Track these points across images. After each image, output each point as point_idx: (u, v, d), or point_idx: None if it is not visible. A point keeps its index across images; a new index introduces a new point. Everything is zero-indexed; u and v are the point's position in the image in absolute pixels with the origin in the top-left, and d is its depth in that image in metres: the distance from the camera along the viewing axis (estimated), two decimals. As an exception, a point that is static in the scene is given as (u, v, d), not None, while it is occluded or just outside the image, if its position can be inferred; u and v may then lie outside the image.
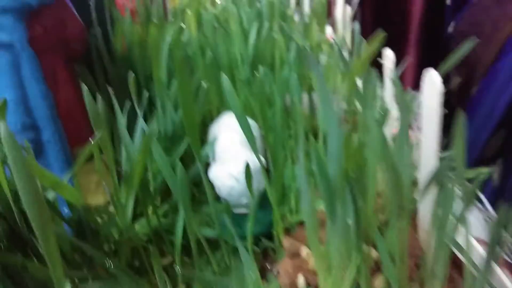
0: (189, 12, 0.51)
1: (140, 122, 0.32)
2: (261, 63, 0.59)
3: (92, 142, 0.29)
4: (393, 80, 0.28)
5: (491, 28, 0.79)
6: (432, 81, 0.34)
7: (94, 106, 0.29)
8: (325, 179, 0.20)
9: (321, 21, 0.77)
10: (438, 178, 0.31)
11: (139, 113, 0.33)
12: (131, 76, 0.32)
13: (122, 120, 0.32)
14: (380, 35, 0.20)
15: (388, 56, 0.44)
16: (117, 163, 0.39)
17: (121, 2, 0.69)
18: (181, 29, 0.54)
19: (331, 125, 0.21)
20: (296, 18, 0.97)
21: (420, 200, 0.37)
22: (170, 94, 0.40)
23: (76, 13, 0.39)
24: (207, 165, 0.45)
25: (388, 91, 0.46)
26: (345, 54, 0.72)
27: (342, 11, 0.71)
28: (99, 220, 0.34)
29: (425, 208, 0.37)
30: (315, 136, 0.59)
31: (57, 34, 0.36)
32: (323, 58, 0.84)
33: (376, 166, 0.25)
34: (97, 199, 0.41)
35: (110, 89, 0.33)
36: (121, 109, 0.37)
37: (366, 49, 0.20)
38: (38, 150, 0.37)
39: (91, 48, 0.44)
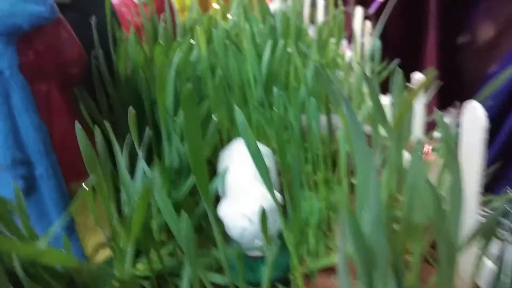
0: (198, 28, 0.47)
1: (141, 164, 0.29)
2: (275, 83, 0.55)
3: (86, 187, 0.25)
4: (440, 124, 0.24)
5: (506, 17, 0.76)
6: (475, 115, 0.29)
7: (87, 144, 0.26)
8: (364, 256, 0.16)
9: (337, 35, 0.73)
10: (486, 231, 0.26)
11: (140, 152, 0.29)
12: (131, 112, 0.28)
13: (121, 160, 0.29)
14: (431, 73, 0.16)
15: (418, 80, 0.40)
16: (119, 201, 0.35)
17: (126, 16, 0.66)
18: (190, 47, 0.50)
19: (370, 193, 0.16)
20: (311, 32, 0.94)
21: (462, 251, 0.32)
22: (177, 122, 0.36)
23: (74, 34, 0.36)
24: (217, 197, 0.41)
25: (418, 119, 0.41)
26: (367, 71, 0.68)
27: (361, 26, 0.67)
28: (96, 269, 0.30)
29: (467, 257, 0.32)
30: (334, 161, 0.55)
31: (52, 58, 0.33)
32: (340, 74, 0.80)
33: (422, 231, 0.21)
34: (97, 237, 0.37)
35: (107, 124, 0.29)
36: (124, 138, 0.33)
37: (416, 89, 0.16)
38: (31, 186, 0.33)
39: (92, 70, 0.41)
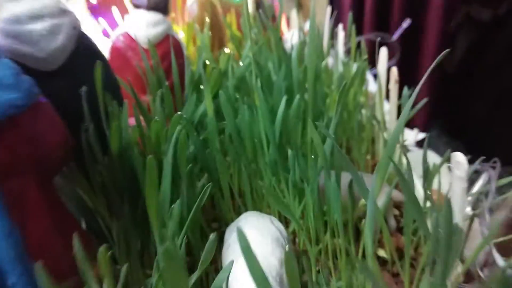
0: (205, 88, 0.42)
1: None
2: (290, 144, 0.49)
3: None
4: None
5: None
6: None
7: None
8: None
9: (360, 77, 0.67)
10: None
11: None
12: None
13: None
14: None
15: (460, 162, 0.34)
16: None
17: (132, 61, 0.62)
18: (196, 106, 0.45)
19: None
20: (330, 61, 0.88)
21: None
22: (172, 219, 0.31)
23: (55, 115, 0.31)
24: None
25: (457, 202, 0.35)
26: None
27: (386, 71, 0.61)
28: None
29: None
30: (357, 228, 0.49)
31: (28, 152, 0.28)
32: (364, 114, 0.74)
33: None
34: None
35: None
36: (117, 218, 0.28)
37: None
38: (2, 297, 0.29)
39: (83, 145, 0.36)
